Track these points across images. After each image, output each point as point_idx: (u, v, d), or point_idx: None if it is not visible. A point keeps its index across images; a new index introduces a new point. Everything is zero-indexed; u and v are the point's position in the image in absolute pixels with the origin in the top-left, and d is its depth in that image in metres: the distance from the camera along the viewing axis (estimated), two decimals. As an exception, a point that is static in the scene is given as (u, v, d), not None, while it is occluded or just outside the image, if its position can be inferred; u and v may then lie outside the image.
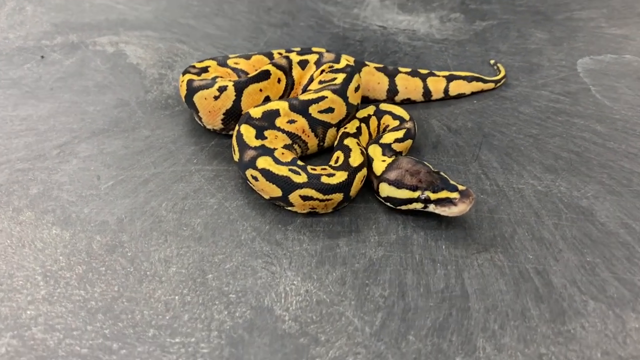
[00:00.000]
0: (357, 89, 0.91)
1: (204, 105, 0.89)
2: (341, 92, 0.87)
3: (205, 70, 0.97)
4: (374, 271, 0.71)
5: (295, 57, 0.96)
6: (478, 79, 1.08)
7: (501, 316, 0.66)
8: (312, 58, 0.96)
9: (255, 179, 0.77)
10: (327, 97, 0.86)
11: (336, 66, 0.93)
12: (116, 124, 0.97)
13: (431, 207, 0.75)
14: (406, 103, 1.06)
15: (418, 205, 0.76)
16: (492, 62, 1.16)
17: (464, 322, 0.65)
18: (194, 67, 0.97)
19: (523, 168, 0.89)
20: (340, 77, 0.90)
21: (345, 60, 0.94)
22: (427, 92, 1.05)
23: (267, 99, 0.91)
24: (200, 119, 0.93)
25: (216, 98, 0.88)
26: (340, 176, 0.76)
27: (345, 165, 0.79)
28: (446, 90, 1.06)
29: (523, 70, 1.16)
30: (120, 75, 1.12)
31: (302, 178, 0.75)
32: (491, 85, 1.09)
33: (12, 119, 0.98)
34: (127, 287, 0.68)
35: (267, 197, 0.79)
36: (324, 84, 0.90)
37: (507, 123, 1.00)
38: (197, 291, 0.68)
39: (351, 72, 0.91)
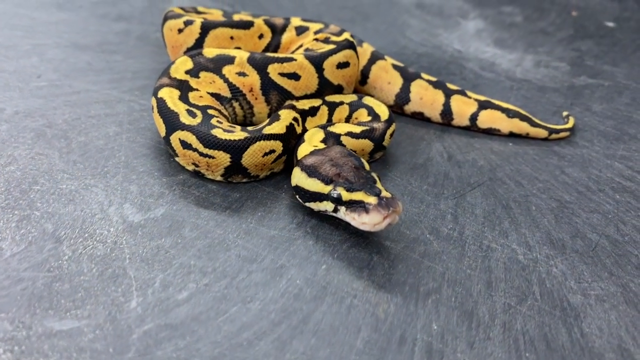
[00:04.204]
0: (342, 65, 0.76)
1: (169, 37, 0.83)
2: (317, 60, 0.74)
3: (202, 14, 0.92)
4: (209, 252, 0.55)
5: (295, 21, 0.86)
6: (524, 118, 0.85)
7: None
8: (314, 27, 0.85)
9: (152, 109, 0.68)
10: (295, 59, 0.73)
11: (333, 38, 0.81)
12: (100, 45, 0.97)
13: (342, 212, 0.57)
14: (418, 118, 0.87)
15: (329, 207, 0.58)
16: (565, 113, 0.92)
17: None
18: (194, 8, 0.93)
19: (515, 229, 0.66)
20: (328, 47, 0.77)
21: (348, 36, 0.81)
22: (446, 112, 0.85)
23: (237, 51, 0.81)
24: (169, 56, 0.87)
25: (180, 31, 0.81)
26: (236, 135, 0.63)
27: (256, 130, 0.65)
28: (474, 118, 0.84)
29: (605, 135, 0.90)
30: (145, 10, 1.13)
31: (190, 121, 0.63)
32: (542, 132, 0.85)
33: (21, 17, 1.04)
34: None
35: (162, 137, 0.69)
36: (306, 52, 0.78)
37: (535, 177, 0.76)
38: (10, 196, 0.59)
39: (344, 45, 0.78)
